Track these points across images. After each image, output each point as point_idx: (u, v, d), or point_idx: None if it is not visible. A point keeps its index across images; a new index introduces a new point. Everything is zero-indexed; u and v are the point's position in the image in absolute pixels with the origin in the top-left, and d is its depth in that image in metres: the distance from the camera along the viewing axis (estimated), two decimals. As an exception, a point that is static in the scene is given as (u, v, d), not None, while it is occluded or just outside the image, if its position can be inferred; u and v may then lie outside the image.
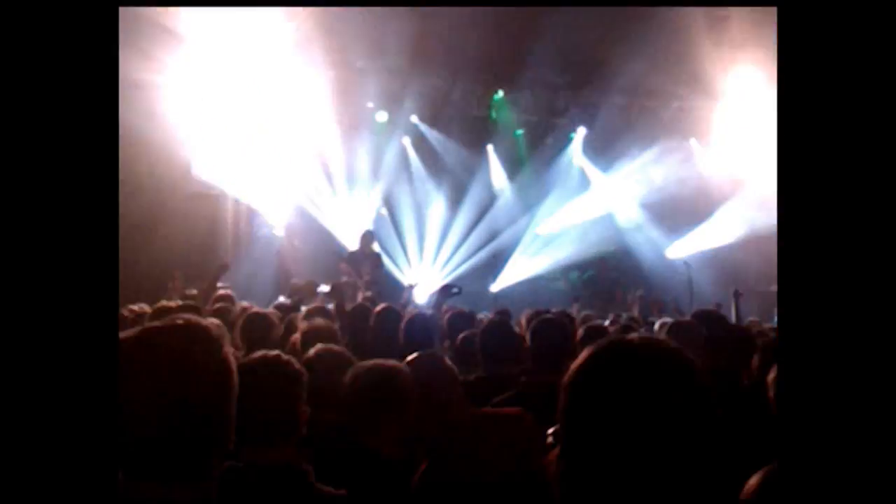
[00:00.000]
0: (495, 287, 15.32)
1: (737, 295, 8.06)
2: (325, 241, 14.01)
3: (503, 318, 5.07)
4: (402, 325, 5.03)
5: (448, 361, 3.29)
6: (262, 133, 13.37)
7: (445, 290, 7.21)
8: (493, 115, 15.74)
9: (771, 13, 11.93)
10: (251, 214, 13.73)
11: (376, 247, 12.31)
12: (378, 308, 5.70)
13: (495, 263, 15.54)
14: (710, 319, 4.70)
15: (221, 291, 7.41)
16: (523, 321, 6.02)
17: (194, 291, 7.45)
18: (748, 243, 14.57)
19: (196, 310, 5.22)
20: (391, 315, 5.43)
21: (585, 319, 6.81)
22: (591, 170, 16.32)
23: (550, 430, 2.38)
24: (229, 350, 1.81)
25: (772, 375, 3.49)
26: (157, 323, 1.78)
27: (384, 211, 14.48)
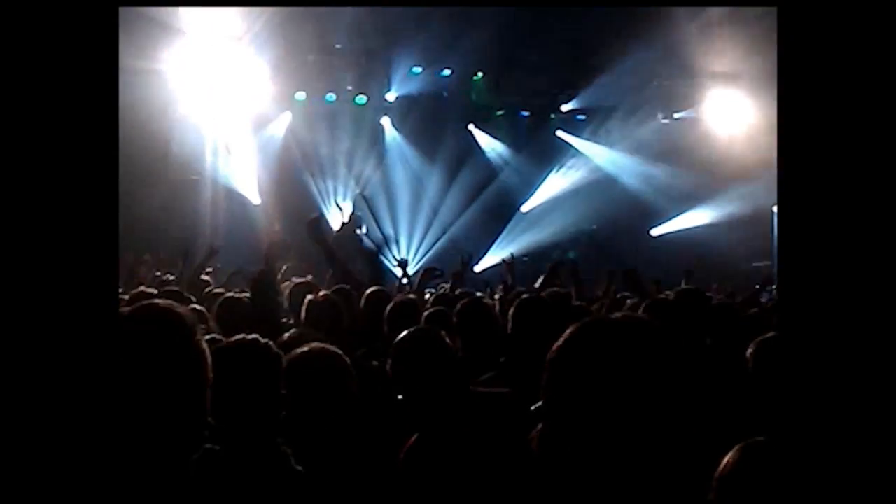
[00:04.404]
0: (479, 267, 15.35)
1: (688, 274, 8.32)
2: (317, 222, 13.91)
3: (479, 300, 5.05)
4: (387, 310, 4.97)
5: (445, 338, 3.25)
6: (240, 117, 13.31)
7: (428, 273, 7.25)
8: (474, 96, 15.73)
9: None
10: (231, 199, 13.68)
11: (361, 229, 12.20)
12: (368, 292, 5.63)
13: (480, 243, 15.56)
14: (690, 297, 4.71)
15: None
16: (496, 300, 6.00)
17: (170, 277, 7.39)
18: (733, 223, 14.71)
19: (179, 295, 5.17)
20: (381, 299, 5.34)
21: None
22: (574, 145, 16.36)
23: (532, 407, 2.40)
24: (202, 336, 1.81)
25: (750, 350, 3.53)
26: (126, 309, 1.77)
27: (366, 192, 14.45)
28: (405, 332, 3.22)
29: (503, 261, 8.26)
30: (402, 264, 7.73)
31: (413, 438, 3.08)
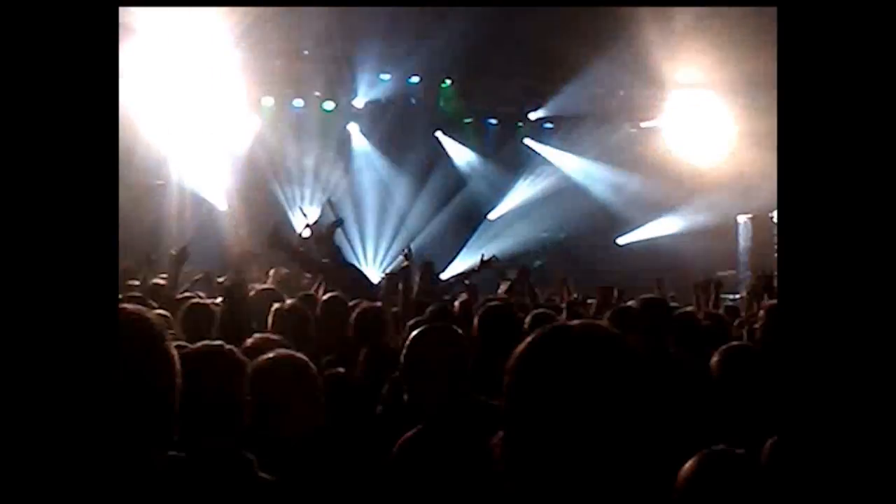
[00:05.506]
0: (446, 275, 15.34)
1: (659, 283, 8.55)
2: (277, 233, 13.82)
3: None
4: (353, 317, 4.96)
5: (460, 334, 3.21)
6: (205, 122, 13.20)
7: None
8: (442, 103, 15.77)
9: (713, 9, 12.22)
10: (198, 204, 13.56)
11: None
12: (326, 297, 5.64)
13: (447, 251, 15.56)
14: (653, 306, 4.76)
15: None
16: (457, 306, 6.03)
17: (160, 281, 7.31)
18: (698, 232, 14.89)
19: (142, 301, 5.11)
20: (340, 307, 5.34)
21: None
22: (542, 153, 16.45)
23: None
24: (171, 342, 1.80)
25: (715, 359, 3.58)
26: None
27: (333, 199, 14.39)
28: (425, 328, 3.19)
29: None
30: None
31: (413, 432, 3.06)
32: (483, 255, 8.91)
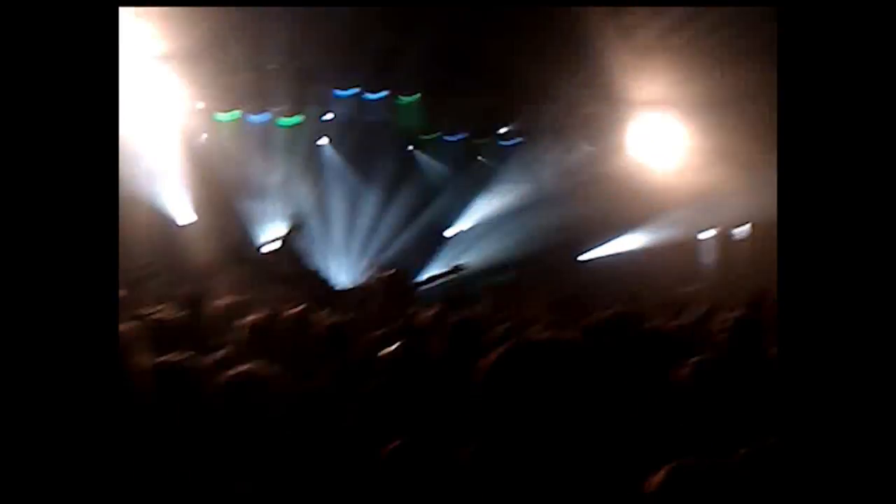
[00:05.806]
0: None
1: (633, 296, 8.75)
2: (241, 248, 13.73)
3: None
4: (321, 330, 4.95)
5: None
6: (169, 136, 13.08)
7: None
8: (409, 119, 15.75)
9: (679, 21, 12.36)
10: (161, 219, 13.42)
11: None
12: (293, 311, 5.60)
13: (414, 266, 15.54)
14: (623, 319, 4.78)
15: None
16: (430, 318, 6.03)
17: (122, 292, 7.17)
18: (659, 249, 15.03)
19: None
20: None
21: None
22: (507, 170, 16.52)
23: None
24: (140, 355, 1.78)
25: (685, 370, 3.61)
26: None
27: (300, 213, 14.33)
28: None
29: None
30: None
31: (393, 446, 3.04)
32: (456, 265, 9.06)
